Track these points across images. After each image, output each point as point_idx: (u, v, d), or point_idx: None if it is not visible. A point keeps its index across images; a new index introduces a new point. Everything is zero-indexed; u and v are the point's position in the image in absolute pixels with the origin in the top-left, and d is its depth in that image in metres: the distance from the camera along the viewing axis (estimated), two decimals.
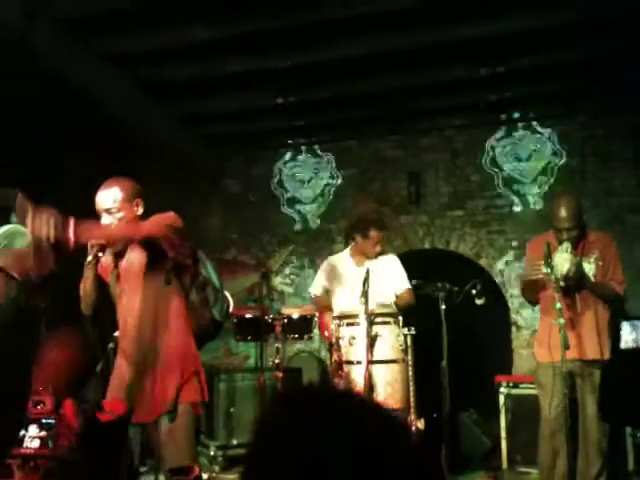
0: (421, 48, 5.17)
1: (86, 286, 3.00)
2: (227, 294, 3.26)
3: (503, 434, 4.83)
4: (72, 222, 2.58)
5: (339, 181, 7.25)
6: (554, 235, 3.88)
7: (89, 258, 2.95)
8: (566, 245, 3.62)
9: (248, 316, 4.63)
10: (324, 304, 4.64)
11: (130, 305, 2.99)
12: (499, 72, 5.57)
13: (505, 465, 4.75)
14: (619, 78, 5.73)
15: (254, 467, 0.96)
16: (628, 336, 2.82)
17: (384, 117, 6.65)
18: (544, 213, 6.05)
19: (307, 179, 7.34)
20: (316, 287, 4.70)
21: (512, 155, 6.77)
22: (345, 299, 4.32)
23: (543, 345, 3.83)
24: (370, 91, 5.96)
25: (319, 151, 7.32)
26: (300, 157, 7.38)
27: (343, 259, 4.61)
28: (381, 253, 4.50)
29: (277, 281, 7.16)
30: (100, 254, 2.96)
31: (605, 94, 6.09)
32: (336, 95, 5.99)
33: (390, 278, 4.40)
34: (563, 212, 3.75)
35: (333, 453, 0.88)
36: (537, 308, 4.19)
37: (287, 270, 7.25)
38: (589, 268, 3.73)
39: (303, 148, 7.36)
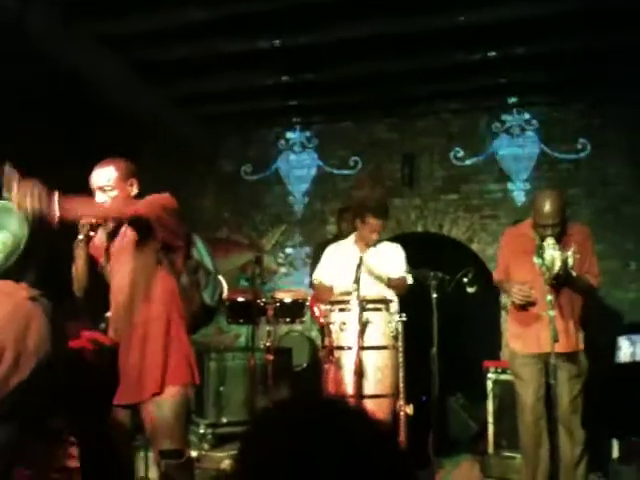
0: (419, 32, 5.13)
1: (77, 266, 3.00)
2: (222, 279, 3.26)
3: (490, 419, 4.87)
4: (56, 196, 2.57)
5: (333, 162, 7.23)
6: (532, 227, 3.90)
7: (80, 237, 2.95)
8: (552, 241, 3.60)
9: (240, 299, 4.64)
10: (324, 291, 4.63)
11: (121, 284, 2.99)
12: (497, 58, 5.55)
13: (491, 449, 4.81)
14: (617, 68, 5.72)
15: (249, 461, 1.00)
16: (627, 350, 2.86)
17: (380, 100, 6.62)
18: None
19: (301, 160, 7.32)
20: (320, 273, 4.71)
21: (507, 141, 6.77)
22: (346, 285, 4.30)
23: (527, 336, 3.87)
24: (367, 73, 5.92)
25: (314, 132, 7.29)
26: (295, 137, 7.35)
27: (347, 245, 4.62)
28: (379, 241, 4.50)
29: (269, 261, 7.17)
30: (91, 233, 2.95)
31: (602, 83, 6.08)
32: (332, 77, 5.97)
33: (386, 263, 4.41)
34: (548, 208, 3.71)
35: (324, 454, 0.93)
36: None
37: (279, 250, 7.27)
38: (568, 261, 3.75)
39: (298, 128, 7.33)
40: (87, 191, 3.00)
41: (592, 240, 4.01)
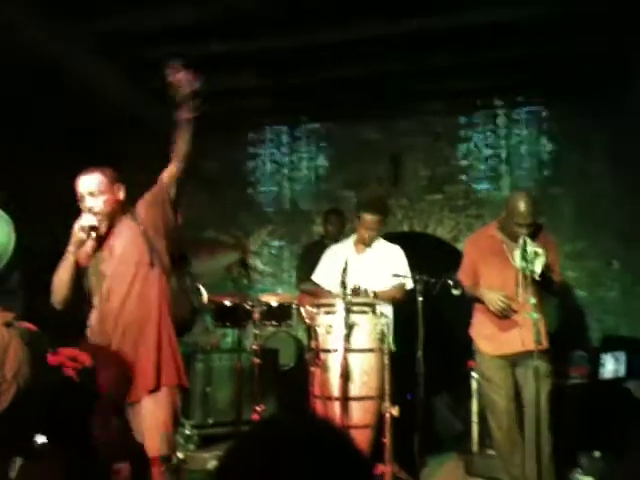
0: (405, 34, 5.16)
1: (63, 275, 2.97)
2: (201, 287, 3.30)
3: (474, 418, 4.92)
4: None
5: (319, 162, 7.25)
6: (498, 229, 3.98)
7: (81, 235, 2.91)
8: (528, 239, 3.69)
9: (227, 303, 4.64)
10: (319, 293, 4.63)
11: (112, 287, 2.99)
12: (481, 59, 5.59)
13: (476, 449, 4.86)
14: (598, 68, 5.77)
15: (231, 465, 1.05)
16: (611, 367, 2.93)
17: (365, 100, 6.63)
18: None
19: (287, 160, 7.33)
20: (319, 276, 4.72)
21: (491, 140, 6.82)
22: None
23: (501, 338, 3.94)
24: (352, 75, 5.94)
25: (299, 132, 7.30)
26: (281, 138, 7.36)
27: (345, 247, 4.62)
28: (372, 239, 4.50)
29: (255, 261, 7.18)
30: (93, 234, 2.94)
31: (583, 83, 6.13)
32: (318, 78, 5.97)
33: (385, 269, 4.39)
34: (524, 207, 3.80)
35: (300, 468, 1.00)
36: None
37: (265, 251, 7.27)
38: None
39: (284, 129, 7.34)
40: (73, 189, 3.02)
41: (554, 242, 4.18)
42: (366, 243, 4.50)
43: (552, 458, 3.89)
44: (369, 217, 4.42)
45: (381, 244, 4.59)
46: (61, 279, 2.98)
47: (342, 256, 4.47)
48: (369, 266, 4.43)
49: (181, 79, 2.99)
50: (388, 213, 4.61)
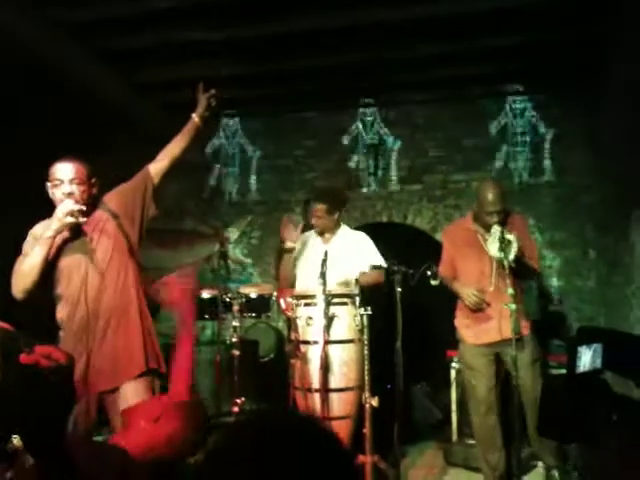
0: (385, 23, 5.13)
1: (38, 260, 2.87)
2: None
3: (454, 407, 4.97)
4: None
5: (299, 152, 7.21)
6: (473, 220, 4.03)
7: (68, 219, 2.83)
8: (501, 228, 3.74)
9: (206, 296, 4.62)
10: (286, 279, 4.65)
11: (98, 272, 2.96)
12: (463, 48, 5.58)
13: (455, 437, 4.91)
14: (581, 59, 5.79)
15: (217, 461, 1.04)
16: (587, 359, 2.96)
17: (345, 90, 6.61)
18: None
19: (267, 149, 7.29)
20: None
21: (470, 131, 6.83)
22: (309, 276, 4.23)
23: (481, 327, 3.98)
24: (332, 64, 5.90)
25: (279, 121, 7.26)
26: (260, 127, 7.31)
27: (311, 237, 4.59)
28: (321, 227, 4.46)
29: (235, 252, 7.15)
30: (83, 219, 2.88)
31: (565, 74, 6.16)
32: (298, 67, 5.93)
33: (353, 256, 4.34)
34: (491, 196, 3.87)
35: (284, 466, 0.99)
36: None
37: (245, 241, 7.24)
38: None
39: (263, 118, 7.29)
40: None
41: (528, 226, 4.25)
42: (322, 233, 4.49)
43: (535, 443, 3.96)
44: (315, 205, 4.42)
45: (346, 232, 4.53)
46: (32, 266, 2.88)
47: (306, 244, 4.48)
48: (336, 256, 4.37)
49: (211, 95, 3.43)
50: (339, 203, 4.53)
